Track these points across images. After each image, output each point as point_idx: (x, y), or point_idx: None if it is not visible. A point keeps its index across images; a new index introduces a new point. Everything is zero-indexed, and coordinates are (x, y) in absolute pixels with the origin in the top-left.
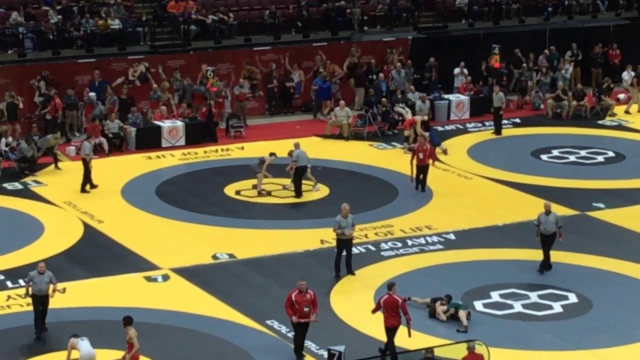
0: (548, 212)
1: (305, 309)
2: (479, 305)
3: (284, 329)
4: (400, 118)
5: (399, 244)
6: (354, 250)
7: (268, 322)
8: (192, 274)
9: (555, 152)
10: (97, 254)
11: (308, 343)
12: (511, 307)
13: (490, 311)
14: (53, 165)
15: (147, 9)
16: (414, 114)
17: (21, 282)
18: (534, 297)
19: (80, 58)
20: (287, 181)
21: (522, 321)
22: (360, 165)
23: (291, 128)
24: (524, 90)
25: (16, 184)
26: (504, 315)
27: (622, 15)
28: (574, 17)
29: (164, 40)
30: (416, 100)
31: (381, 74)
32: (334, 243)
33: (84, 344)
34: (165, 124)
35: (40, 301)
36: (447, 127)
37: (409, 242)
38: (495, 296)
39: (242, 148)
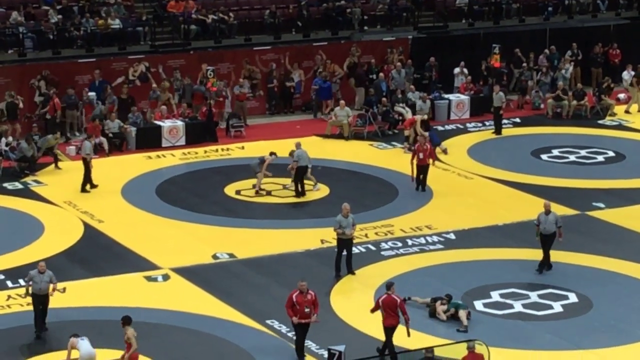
0: (548, 211)
1: (306, 310)
2: (479, 305)
3: (284, 329)
4: (401, 118)
5: (399, 244)
6: (354, 249)
7: (268, 321)
8: (193, 273)
9: (555, 152)
10: (97, 254)
11: (308, 343)
12: (511, 306)
13: (491, 311)
14: (53, 165)
15: (147, 8)
16: (414, 113)
17: (21, 281)
18: (534, 296)
19: (80, 58)
20: (288, 181)
21: (522, 321)
22: (361, 165)
23: (291, 128)
24: (524, 89)
25: (16, 183)
26: (504, 315)
27: (622, 14)
28: (574, 17)
29: (164, 40)
30: (416, 100)
31: (381, 74)
32: (334, 243)
33: (84, 344)
34: (166, 124)
35: (40, 300)
36: (447, 127)
37: (409, 242)
38: (495, 296)
39: (243, 148)
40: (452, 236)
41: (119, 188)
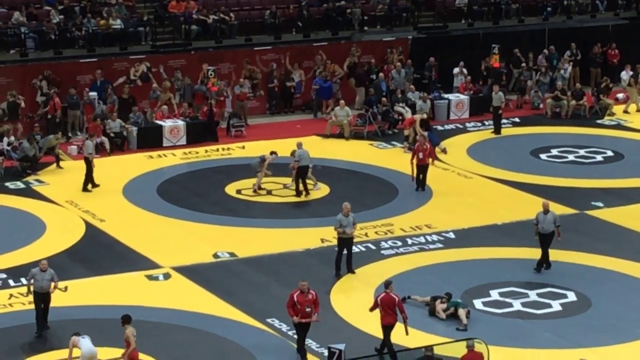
0: (546, 211)
1: (307, 309)
2: (478, 303)
3: (284, 327)
4: (400, 117)
5: (399, 243)
6: (354, 249)
7: (269, 320)
8: (193, 272)
9: (554, 152)
10: (98, 253)
11: (308, 341)
12: (510, 305)
13: (490, 309)
14: (55, 165)
15: (148, 9)
16: (414, 113)
17: (23, 280)
18: (533, 295)
19: (81, 58)
20: (288, 180)
21: (521, 319)
22: (361, 164)
23: (292, 127)
24: (523, 89)
25: (18, 183)
26: (503, 314)
27: (621, 15)
28: (573, 17)
29: (165, 40)
30: (416, 100)
31: (381, 74)
32: (334, 242)
33: (85, 342)
34: (167, 124)
35: (42, 298)
36: (447, 127)
37: (409, 241)
38: (494, 294)
39: (243, 147)
40: (452, 235)
41: (121, 187)
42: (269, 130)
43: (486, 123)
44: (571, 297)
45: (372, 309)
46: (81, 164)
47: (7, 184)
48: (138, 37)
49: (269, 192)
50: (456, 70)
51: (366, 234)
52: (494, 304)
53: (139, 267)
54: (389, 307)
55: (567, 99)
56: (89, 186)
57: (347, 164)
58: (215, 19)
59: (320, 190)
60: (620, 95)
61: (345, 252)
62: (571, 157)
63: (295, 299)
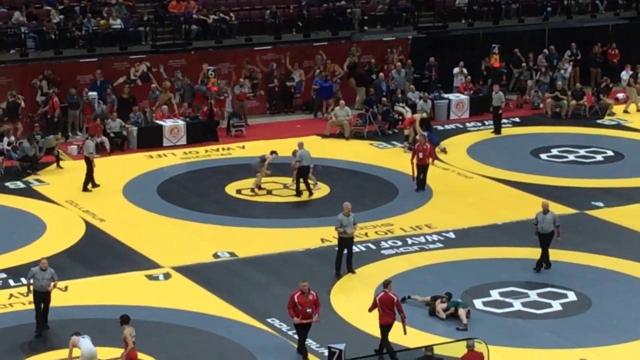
0: (546, 211)
1: (308, 310)
2: (478, 303)
3: (284, 327)
4: (401, 117)
5: (399, 243)
6: (354, 248)
7: (269, 320)
8: (194, 272)
9: (554, 151)
10: (98, 253)
11: (309, 341)
12: (511, 305)
13: (490, 309)
14: (55, 164)
15: (148, 8)
16: (414, 113)
17: (23, 280)
18: (533, 295)
19: (82, 58)
20: (288, 180)
21: (521, 319)
22: (361, 164)
23: (292, 127)
24: (523, 89)
25: (18, 182)
26: (503, 314)
27: (621, 15)
28: (573, 17)
29: (165, 40)
30: (416, 100)
31: (381, 74)
32: (334, 242)
33: (85, 342)
34: (167, 123)
35: (42, 297)
36: (447, 127)
37: (409, 241)
38: (494, 294)
39: (243, 147)
40: (452, 235)
41: (121, 187)
42: (269, 130)
43: (486, 123)
44: (571, 297)
45: (371, 310)
46: (81, 164)
47: (7, 183)
48: (138, 37)
49: (269, 192)
50: (456, 70)
51: (366, 234)
52: (494, 304)
53: (139, 267)
54: (387, 306)
55: (567, 98)
56: (89, 186)
57: (347, 164)
58: (216, 18)
59: (320, 190)
60: (620, 95)
61: (345, 251)
62: (571, 157)
63: (296, 300)
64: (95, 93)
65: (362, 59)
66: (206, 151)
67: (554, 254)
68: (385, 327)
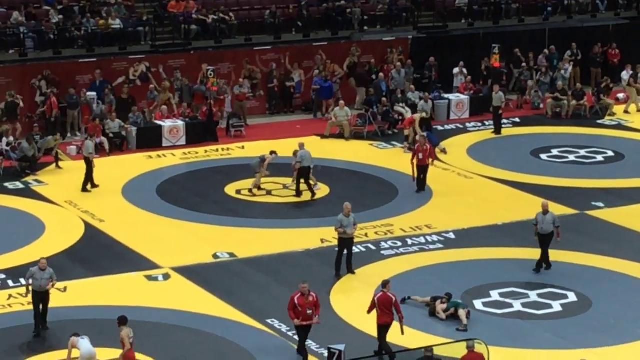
0: (545, 211)
1: (308, 312)
2: (478, 304)
3: (284, 328)
4: (400, 117)
5: (399, 243)
6: (354, 249)
7: (268, 320)
8: (193, 273)
9: (554, 152)
10: (98, 253)
11: (308, 342)
12: (511, 306)
13: (490, 310)
14: (54, 165)
15: (147, 8)
16: (414, 113)
17: (22, 281)
18: (533, 296)
19: (81, 58)
20: (288, 180)
21: (521, 320)
22: (361, 164)
23: (291, 127)
24: (523, 89)
25: (17, 183)
26: (503, 314)
27: (621, 15)
28: (574, 17)
29: (164, 40)
30: (416, 100)
31: (381, 74)
32: (334, 242)
33: (84, 343)
34: (166, 124)
35: (40, 297)
36: (447, 127)
37: (409, 241)
38: (495, 295)
39: (243, 147)
40: (452, 235)
41: (120, 188)
42: (268, 130)
43: (486, 123)
44: (571, 297)
45: (369, 311)
46: (80, 164)
47: (6, 184)
48: (137, 37)
49: (269, 192)
50: (456, 70)
51: (366, 234)
52: (494, 305)
53: (138, 267)
54: (385, 306)
55: (567, 99)
56: (89, 186)
57: (347, 164)
58: (215, 18)
59: (320, 191)
60: (620, 95)
61: (345, 252)
62: (572, 157)
63: (296, 302)
64: (94, 93)
65: (362, 59)
66: (205, 151)
67: (554, 255)
68: (383, 327)
